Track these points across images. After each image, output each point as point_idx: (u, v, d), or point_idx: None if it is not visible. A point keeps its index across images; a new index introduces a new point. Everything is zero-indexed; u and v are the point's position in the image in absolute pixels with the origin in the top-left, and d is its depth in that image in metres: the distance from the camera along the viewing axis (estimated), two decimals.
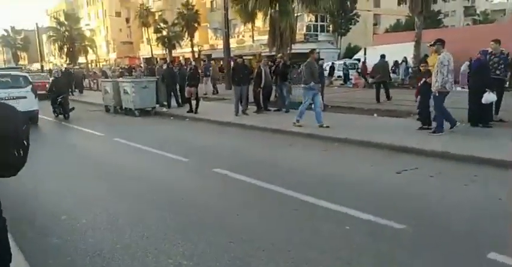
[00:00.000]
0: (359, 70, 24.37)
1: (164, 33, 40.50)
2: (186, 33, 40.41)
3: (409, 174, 5.75)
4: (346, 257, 3.34)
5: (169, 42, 40.17)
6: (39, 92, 23.21)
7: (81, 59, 41.99)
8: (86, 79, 30.19)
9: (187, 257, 3.41)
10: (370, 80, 22.63)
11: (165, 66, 15.83)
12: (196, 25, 40.56)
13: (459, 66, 12.30)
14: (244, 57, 14.56)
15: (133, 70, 28.77)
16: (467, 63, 15.59)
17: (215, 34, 42.75)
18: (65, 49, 37.51)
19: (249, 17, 19.62)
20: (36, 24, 44.30)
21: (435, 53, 8.25)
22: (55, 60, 61.92)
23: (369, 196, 4.86)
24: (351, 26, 37.03)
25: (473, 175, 5.50)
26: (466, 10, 63.63)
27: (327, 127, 9.07)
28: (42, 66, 45.65)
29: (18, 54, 53.57)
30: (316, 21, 37.46)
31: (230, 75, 14.15)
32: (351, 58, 30.15)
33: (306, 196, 4.79)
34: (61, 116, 13.40)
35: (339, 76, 26.53)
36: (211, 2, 44.48)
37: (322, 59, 13.58)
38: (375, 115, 11.09)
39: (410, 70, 22.41)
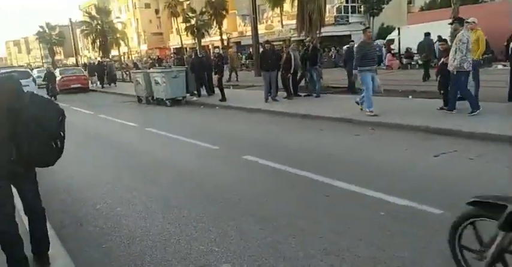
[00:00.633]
0: (393, 52, 23.54)
1: (193, 22, 40.52)
2: (215, 22, 40.27)
3: (447, 157, 5.50)
4: (380, 243, 3.23)
5: (198, 31, 40.23)
6: (73, 86, 24.16)
7: (114, 52, 42.88)
8: (118, 71, 30.93)
9: (218, 244, 3.42)
10: (404, 61, 21.94)
11: (193, 56, 15.92)
12: (224, 12, 40.31)
13: (502, 43, 11.52)
14: (273, 43, 14.37)
15: (162, 61, 29.15)
16: None
17: (243, 21, 42.31)
18: (98, 43, 38.33)
19: (277, 1, 19.30)
20: (70, 19, 45.37)
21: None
22: (89, 53, 63.60)
23: (405, 180, 4.68)
24: (383, 6, 35.60)
25: None
26: None
27: (375, 115, 8.25)
28: (77, 60, 47.13)
29: (54, 50, 55.23)
30: (347, 2, 36.30)
31: (259, 62, 14.03)
32: (384, 39, 29.11)
33: (338, 181, 4.68)
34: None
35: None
36: None
37: (353, 41, 13.13)
38: (410, 97, 10.71)
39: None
